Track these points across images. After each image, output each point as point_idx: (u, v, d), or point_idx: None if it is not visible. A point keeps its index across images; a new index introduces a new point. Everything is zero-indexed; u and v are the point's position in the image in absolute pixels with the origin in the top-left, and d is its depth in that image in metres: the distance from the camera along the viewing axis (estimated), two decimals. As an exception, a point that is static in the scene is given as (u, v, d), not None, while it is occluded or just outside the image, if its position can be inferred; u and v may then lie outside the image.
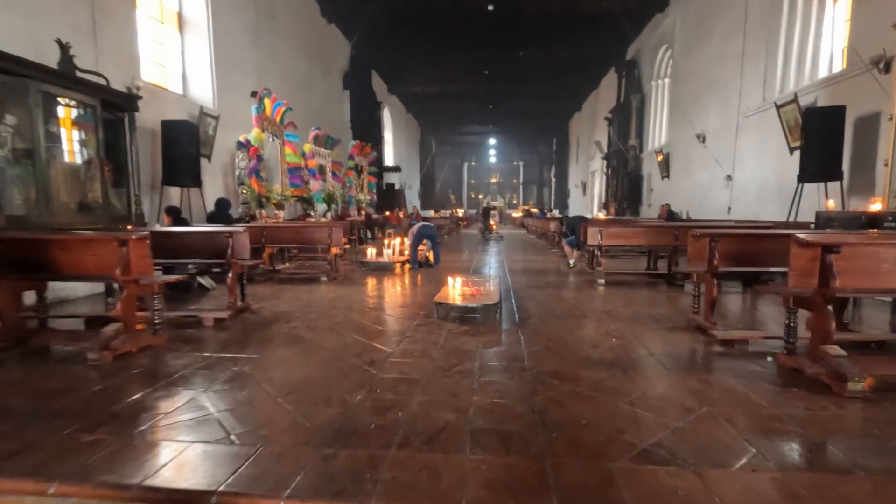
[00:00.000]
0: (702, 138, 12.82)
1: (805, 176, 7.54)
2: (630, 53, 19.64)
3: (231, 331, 4.02)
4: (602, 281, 6.46)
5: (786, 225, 7.26)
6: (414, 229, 8.26)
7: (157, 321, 3.54)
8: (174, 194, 8.84)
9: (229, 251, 4.47)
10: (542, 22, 18.42)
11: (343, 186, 13.46)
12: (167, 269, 6.11)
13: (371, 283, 6.79)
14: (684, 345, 3.60)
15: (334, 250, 7.10)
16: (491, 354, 3.32)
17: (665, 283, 6.53)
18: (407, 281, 7.04)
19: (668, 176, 15.53)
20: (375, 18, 18.16)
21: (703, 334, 3.77)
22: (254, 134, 7.74)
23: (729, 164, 11.44)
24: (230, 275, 4.48)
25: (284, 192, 9.02)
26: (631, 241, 6.66)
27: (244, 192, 7.98)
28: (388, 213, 18.43)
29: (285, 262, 8.77)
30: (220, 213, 7.30)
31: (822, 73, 9.08)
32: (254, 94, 7.88)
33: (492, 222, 21.14)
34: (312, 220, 11.10)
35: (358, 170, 14.49)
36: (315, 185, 10.51)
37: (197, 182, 8.70)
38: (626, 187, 19.00)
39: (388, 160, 27.16)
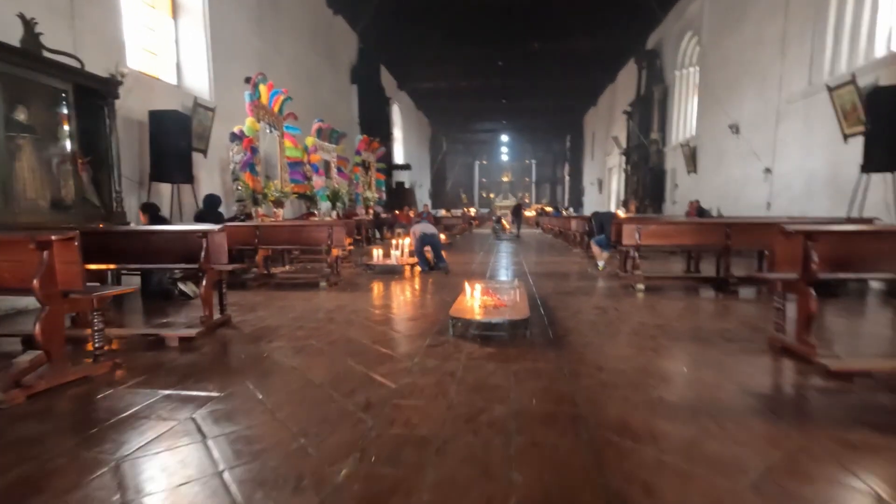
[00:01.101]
0: (735, 129, 11.84)
1: (871, 165, 6.58)
2: (651, 43, 18.63)
3: (198, 354, 3.24)
4: (642, 286, 5.59)
5: (860, 220, 6.33)
6: (416, 231, 7.45)
7: (97, 345, 2.77)
8: (165, 191, 8.15)
9: (203, 254, 3.70)
10: (558, 10, 17.52)
11: (350, 183, 12.71)
12: (144, 276, 5.39)
13: (376, 288, 6.00)
14: (783, 378, 2.75)
15: (335, 252, 6.33)
16: (528, 391, 2.50)
17: (713, 288, 5.64)
18: (417, 286, 6.23)
19: (695, 171, 14.54)
20: (383, 9, 17.42)
21: (802, 361, 2.91)
22: (248, 124, 7.00)
23: (768, 156, 10.46)
24: (204, 282, 3.72)
25: (283, 188, 8.28)
26: (673, 240, 5.78)
27: (239, 188, 7.25)
28: (397, 211, 17.67)
29: (286, 264, 8.04)
30: (210, 210, 6.57)
31: (881, 51, 8.10)
32: (248, 79, 7.15)
33: (504, 222, 20.35)
34: (316, 218, 10.36)
35: (365, 166, 13.75)
36: (318, 181, 9.77)
37: (189, 178, 7.98)
38: (648, 184, 18.00)
39: (398, 158, 26.42)
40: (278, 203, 8.19)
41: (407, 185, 25.46)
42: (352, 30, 18.42)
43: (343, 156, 11.67)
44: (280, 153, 8.43)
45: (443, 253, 7.72)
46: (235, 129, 7.08)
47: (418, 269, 7.48)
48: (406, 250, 7.90)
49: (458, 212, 28.95)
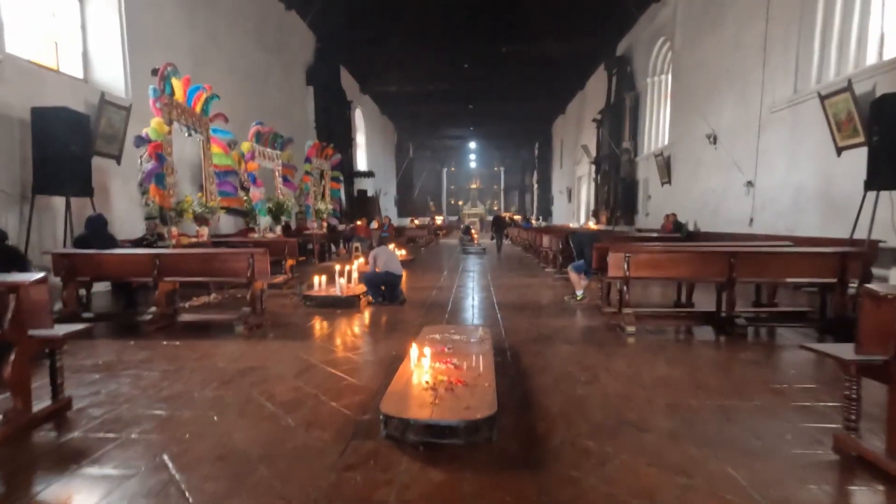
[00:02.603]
0: (713, 138, 11.20)
1: (877, 181, 5.84)
2: (621, 49, 18.10)
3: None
4: (632, 329, 4.60)
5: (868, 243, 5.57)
6: (379, 259, 6.28)
7: None
8: (58, 206, 6.70)
9: (9, 318, 2.44)
10: (527, 13, 16.74)
11: (300, 194, 11.41)
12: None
13: (307, 333, 4.79)
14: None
15: (258, 286, 5.09)
16: None
17: (714, 328, 4.71)
18: (361, 328, 5.05)
19: (669, 181, 13.91)
20: (342, 6, 16.23)
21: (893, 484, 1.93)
22: (153, 125, 5.68)
23: (750, 168, 9.81)
24: (12, 359, 2.46)
25: (209, 202, 6.96)
26: (668, 271, 4.82)
27: (149, 202, 5.91)
28: (358, 222, 16.39)
29: (211, 293, 6.70)
30: (95, 234, 5.22)
31: (872, 58, 7.49)
32: (154, 71, 5.84)
33: (473, 231, 19.33)
34: (256, 235, 9.03)
35: (321, 175, 12.45)
36: (256, 193, 8.45)
37: (87, 190, 6.58)
38: (619, 194, 17.37)
39: (361, 165, 25.11)
40: (201, 220, 6.86)
41: (371, 194, 24.17)
42: (308, 28, 17.13)
43: (290, 163, 10.36)
44: (205, 161, 7.11)
45: (402, 284, 6.59)
46: (143, 132, 5.76)
47: (369, 299, 6.30)
48: (354, 274, 6.72)
49: (423, 221, 27.78)
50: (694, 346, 4.32)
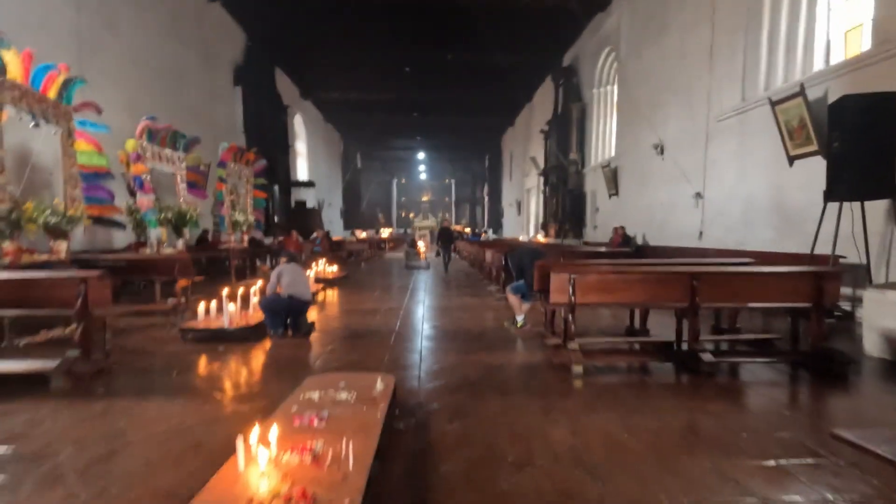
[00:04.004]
0: (660, 149, 10.82)
1: (838, 192, 5.35)
2: (567, 59, 17.87)
3: None
4: (579, 370, 3.71)
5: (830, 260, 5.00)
6: (283, 279, 5.13)
7: None
8: None
9: None
10: (472, 20, 16.12)
11: (214, 203, 10.02)
12: None
13: (155, 386, 3.56)
14: None
15: (98, 320, 3.81)
16: None
17: (675, 364, 3.90)
18: (230, 380, 3.87)
19: (616, 193, 13.52)
20: (275, 4, 14.97)
21: None
22: (-31, 110, 4.34)
23: (698, 179, 9.40)
24: None
25: (70, 210, 5.57)
26: (621, 295, 3.98)
27: (-25, 210, 4.52)
28: (295, 235, 14.98)
29: (66, 326, 5.27)
30: None
31: (819, 63, 7.19)
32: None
33: (419, 246, 18.30)
34: (148, 251, 7.59)
35: (243, 180, 11.07)
36: (144, 200, 7.06)
37: None
38: (567, 206, 16.95)
39: (302, 174, 23.63)
40: (57, 233, 5.46)
41: (312, 205, 22.71)
42: (236, 24, 15.73)
43: (198, 167, 8.99)
44: (65, 160, 5.71)
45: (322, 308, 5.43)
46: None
47: (268, 331, 5.11)
48: (255, 298, 5.51)
49: (365, 234, 26.46)
50: (653, 392, 3.46)
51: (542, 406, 3.10)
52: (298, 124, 23.46)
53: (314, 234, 15.37)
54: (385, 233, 32.06)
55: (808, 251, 5.98)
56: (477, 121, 28.06)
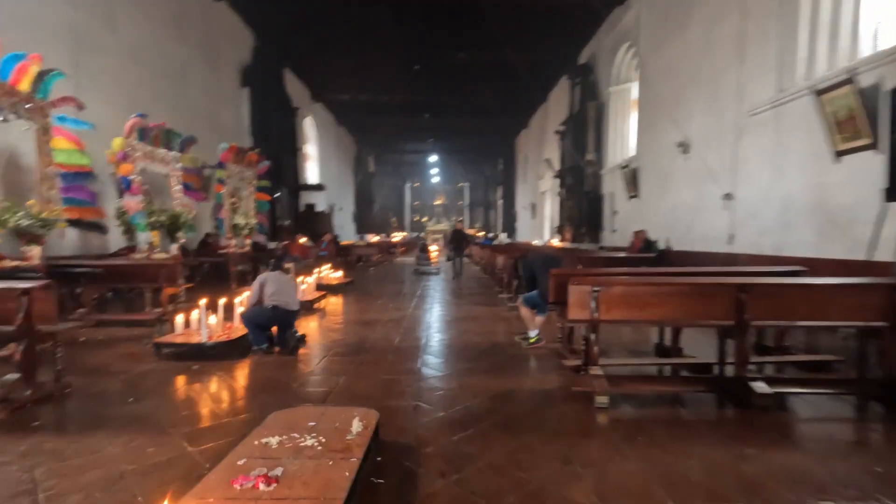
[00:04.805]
0: (684, 148, 10.11)
1: (902, 190, 4.65)
2: (584, 57, 17.20)
3: None
4: (604, 401, 3.10)
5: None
6: (266, 288, 4.63)
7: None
8: None
9: None
10: (484, 18, 15.59)
11: (215, 206, 9.62)
12: None
13: (107, 415, 3.05)
14: None
15: (45, 336, 3.33)
16: None
17: (714, 391, 3.27)
18: (208, 408, 3.35)
19: (636, 195, 12.80)
20: (284, 5, 14.65)
21: None
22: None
23: (727, 179, 8.68)
24: None
25: (44, 212, 5.16)
26: (653, 311, 3.35)
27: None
28: (302, 239, 14.59)
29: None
30: None
31: (867, 49, 6.47)
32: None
33: (430, 251, 17.73)
34: (137, 255, 7.17)
35: (245, 182, 10.66)
36: (132, 202, 6.64)
37: None
38: (584, 209, 16.24)
39: (312, 177, 23.31)
40: (30, 237, 5.05)
41: (321, 208, 22.35)
42: (244, 24, 15.44)
43: (195, 168, 8.58)
44: (40, 158, 5.30)
45: (296, 324, 4.91)
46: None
47: (251, 346, 4.60)
48: (241, 309, 5.01)
49: (376, 238, 25.97)
50: (695, 432, 2.83)
51: (559, 451, 2.50)
52: (309, 127, 23.16)
53: (322, 238, 14.93)
54: (397, 237, 31.58)
55: (860, 257, 5.28)
56: (490, 122, 27.49)
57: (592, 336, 3.33)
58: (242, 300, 5.10)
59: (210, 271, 10.29)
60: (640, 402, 3.22)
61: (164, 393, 3.50)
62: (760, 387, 3.09)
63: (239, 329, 4.78)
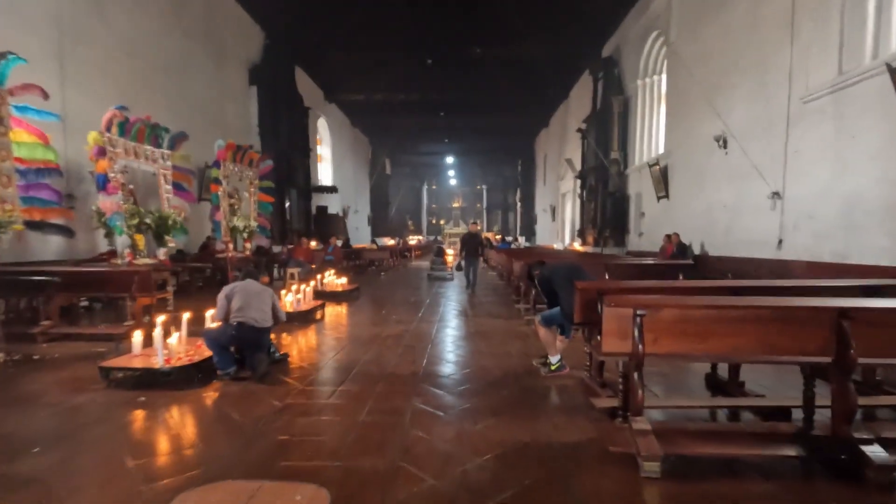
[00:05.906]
0: (722, 142, 9.11)
1: None
2: (608, 50, 16.23)
3: None
4: (654, 468, 2.25)
5: None
6: (233, 302, 3.91)
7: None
8: None
9: None
10: (501, 10, 14.78)
11: (217, 208, 9.02)
12: None
13: (16, 471, 2.35)
14: None
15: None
16: None
17: (808, 453, 2.38)
18: (157, 456, 2.61)
19: (666, 195, 11.78)
20: (294, 2, 14.12)
21: None
22: None
23: (775, 175, 7.67)
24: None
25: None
26: (719, 342, 2.48)
27: None
28: (310, 243, 13.95)
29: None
30: None
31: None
32: None
33: (447, 254, 16.91)
34: (118, 262, 6.55)
35: (245, 183, 10.06)
36: (108, 203, 6.03)
37: None
38: (607, 211, 15.24)
39: (326, 179, 22.79)
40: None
41: (334, 211, 21.79)
42: (253, 21, 14.97)
43: (186, 167, 7.98)
44: (-5, 152, 4.70)
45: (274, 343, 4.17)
46: None
47: (217, 370, 3.88)
48: (212, 324, 4.28)
49: (391, 241, 25.27)
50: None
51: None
52: (322, 128, 22.67)
53: (328, 243, 14.28)
54: (413, 240, 30.88)
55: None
56: (508, 122, 26.59)
57: (636, 375, 2.48)
58: (213, 314, 4.38)
59: (211, 276, 9.71)
60: (700, 473, 2.35)
61: (84, 439, 2.77)
62: (876, 453, 2.20)
63: (206, 350, 4.06)
